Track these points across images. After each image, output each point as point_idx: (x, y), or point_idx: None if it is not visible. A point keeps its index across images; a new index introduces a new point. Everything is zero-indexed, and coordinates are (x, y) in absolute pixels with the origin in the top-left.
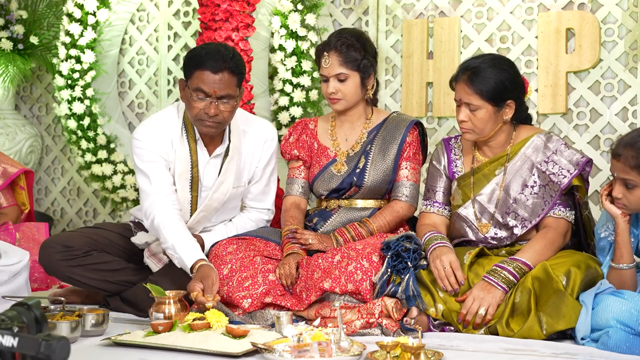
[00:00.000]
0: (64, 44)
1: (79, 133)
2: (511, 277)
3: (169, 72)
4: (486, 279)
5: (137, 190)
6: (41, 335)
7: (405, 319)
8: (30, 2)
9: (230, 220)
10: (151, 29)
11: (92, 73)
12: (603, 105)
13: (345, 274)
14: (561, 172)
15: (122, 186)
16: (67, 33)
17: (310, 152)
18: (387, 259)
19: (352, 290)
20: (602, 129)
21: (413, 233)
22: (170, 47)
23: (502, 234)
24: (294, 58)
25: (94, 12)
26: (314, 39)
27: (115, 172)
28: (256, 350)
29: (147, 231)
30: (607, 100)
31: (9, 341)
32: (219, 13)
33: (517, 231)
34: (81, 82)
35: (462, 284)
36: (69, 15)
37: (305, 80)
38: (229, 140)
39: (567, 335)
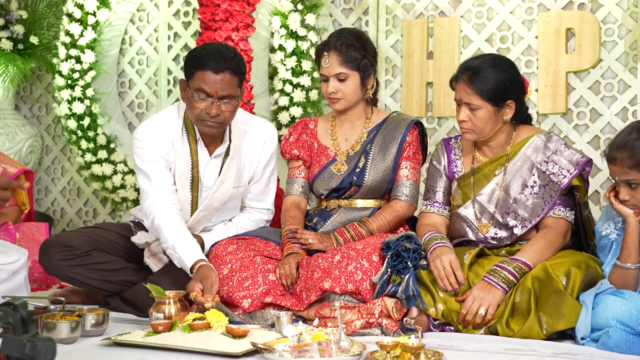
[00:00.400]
0: (64, 44)
1: (79, 133)
2: (511, 277)
3: (169, 72)
4: (486, 279)
5: (137, 190)
6: (26, 336)
7: (405, 319)
8: (30, 2)
9: (230, 220)
10: (151, 29)
11: (92, 73)
12: (603, 105)
13: (345, 274)
14: (561, 172)
15: (122, 186)
16: (67, 33)
17: (310, 151)
18: (387, 259)
19: (352, 290)
20: (602, 129)
21: (413, 233)
22: (170, 47)
23: (502, 234)
24: (294, 58)
25: (94, 12)
26: (314, 39)
27: (115, 172)
28: (256, 350)
29: (147, 231)
30: (607, 100)
31: None
32: (219, 13)
33: (517, 231)
34: (81, 82)
35: (462, 284)
36: (69, 15)
37: (305, 80)
38: (230, 140)
39: (567, 335)
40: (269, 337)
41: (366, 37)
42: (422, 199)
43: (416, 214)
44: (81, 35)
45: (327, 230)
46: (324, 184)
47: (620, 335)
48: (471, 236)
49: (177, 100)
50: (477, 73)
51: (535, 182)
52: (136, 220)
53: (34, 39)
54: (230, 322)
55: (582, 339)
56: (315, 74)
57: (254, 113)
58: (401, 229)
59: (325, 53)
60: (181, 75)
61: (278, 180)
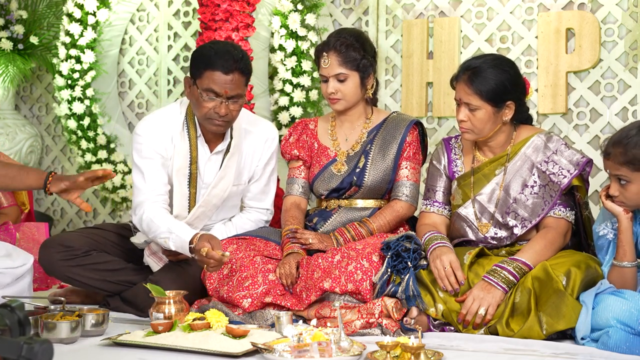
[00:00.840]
0: (64, 44)
1: (79, 133)
2: (511, 277)
3: (169, 72)
4: (486, 279)
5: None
6: (23, 338)
7: (405, 319)
8: (30, 2)
9: (230, 219)
10: (151, 29)
11: (92, 73)
12: (603, 105)
13: (345, 273)
14: (561, 172)
15: (122, 186)
16: (67, 33)
17: (310, 152)
18: (387, 259)
19: (352, 290)
20: (602, 129)
21: (413, 233)
22: (170, 47)
23: (502, 233)
24: (294, 58)
25: (94, 12)
26: (314, 39)
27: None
28: (256, 350)
29: None
30: (607, 100)
31: None
32: (219, 13)
33: (517, 231)
34: (81, 82)
35: (462, 284)
36: (69, 15)
37: (305, 80)
38: (231, 138)
39: (567, 335)
40: (269, 337)
41: (365, 37)
42: (422, 198)
43: (416, 214)
44: (81, 35)
45: (327, 230)
46: (324, 184)
47: (620, 335)
48: (471, 236)
49: (176, 100)
50: (477, 73)
51: (535, 182)
52: None
53: (34, 39)
54: (230, 322)
55: (582, 339)
56: (315, 74)
57: (254, 113)
58: (401, 229)
59: (324, 53)
60: (181, 75)
61: (278, 180)
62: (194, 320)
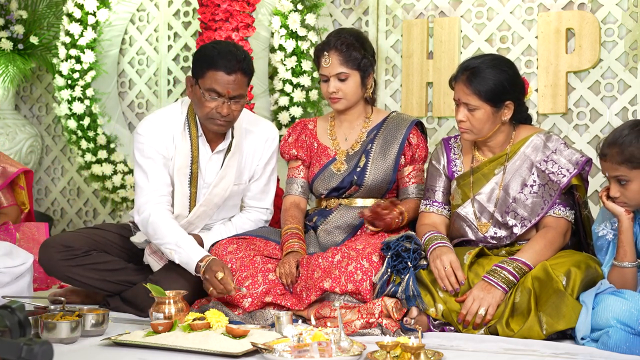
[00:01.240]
0: (64, 44)
1: (79, 133)
2: (511, 277)
3: (169, 72)
4: (486, 279)
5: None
6: (23, 340)
7: (405, 319)
8: (30, 2)
9: (230, 219)
10: (151, 29)
11: (92, 73)
12: (603, 105)
13: (345, 274)
14: (560, 171)
15: (122, 186)
16: (67, 33)
17: (309, 151)
18: (387, 259)
19: (352, 290)
20: (602, 128)
21: (413, 233)
22: (170, 47)
23: (502, 233)
24: (294, 58)
25: (94, 12)
26: (314, 39)
27: (115, 172)
28: (256, 350)
29: None
30: (607, 100)
31: None
32: (219, 13)
33: (517, 230)
34: (81, 82)
35: (462, 284)
36: (69, 15)
37: (305, 80)
38: (232, 137)
39: (567, 335)
40: (269, 337)
41: (365, 37)
42: (422, 198)
43: None
44: (81, 35)
45: (328, 228)
46: (324, 184)
47: (620, 335)
48: (471, 236)
49: (177, 100)
50: (475, 73)
51: (534, 181)
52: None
53: (34, 39)
54: (230, 322)
55: (582, 339)
56: (316, 74)
57: (254, 113)
58: (401, 228)
59: (325, 53)
60: (181, 75)
61: (278, 180)
62: (194, 320)
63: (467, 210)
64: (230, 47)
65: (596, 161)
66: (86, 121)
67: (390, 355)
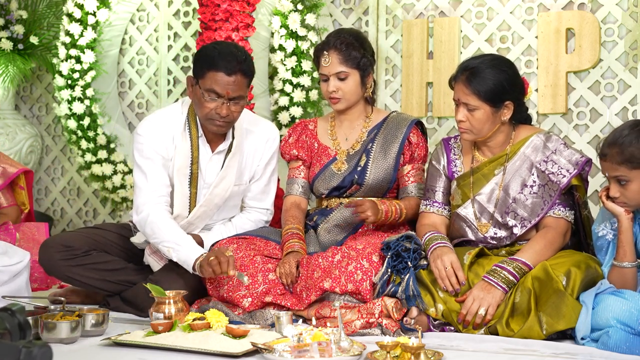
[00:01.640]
0: (64, 44)
1: (79, 133)
2: (511, 277)
3: (169, 72)
4: (486, 279)
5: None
6: (22, 342)
7: (405, 319)
8: (30, 2)
9: (230, 220)
10: (151, 29)
11: (92, 73)
12: (603, 105)
13: (345, 273)
14: (560, 171)
15: (122, 186)
16: (67, 33)
17: (310, 152)
18: (387, 259)
19: (352, 290)
20: (602, 128)
21: (413, 233)
22: (170, 47)
23: (502, 233)
24: (294, 58)
25: (94, 12)
26: (314, 39)
27: (115, 172)
28: (256, 350)
29: None
30: (607, 100)
31: None
32: (219, 13)
33: (517, 231)
34: (81, 82)
35: (463, 284)
36: (69, 15)
37: (305, 80)
38: (233, 137)
39: (567, 335)
40: (269, 337)
41: (364, 37)
42: (422, 199)
43: None
44: (81, 35)
45: (328, 226)
46: (324, 183)
47: (620, 335)
48: (471, 236)
49: (177, 100)
50: (475, 73)
51: (534, 181)
52: None
53: (34, 39)
54: (230, 322)
55: (582, 339)
56: (316, 74)
57: (254, 113)
58: (401, 227)
59: (325, 52)
60: (181, 75)
61: (278, 180)
62: (194, 320)
63: (467, 210)
64: (231, 48)
65: (596, 161)
66: (86, 121)
67: (390, 355)
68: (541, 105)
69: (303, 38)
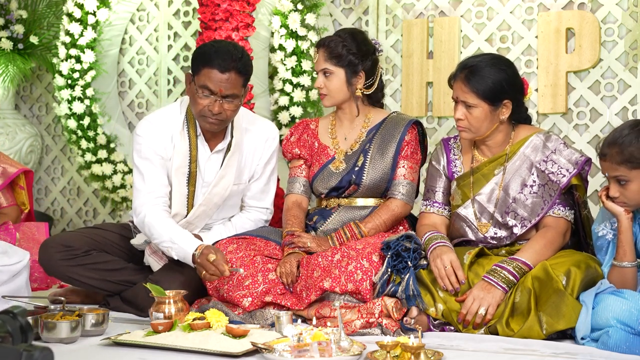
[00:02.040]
0: (64, 43)
1: (79, 133)
2: (511, 277)
3: (169, 71)
4: (486, 279)
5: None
6: (23, 346)
7: (405, 318)
8: (30, 2)
9: (229, 219)
10: (151, 28)
11: (92, 73)
12: (603, 105)
13: (346, 273)
14: (560, 171)
15: (122, 186)
16: (67, 33)
17: (311, 151)
18: (387, 258)
19: (352, 290)
20: (602, 128)
21: (413, 233)
22: (170, 46)
23: (502, 233)
24: (294, 58)
25: (94, 12)
26: (314, 39)
27: (115, 172)
28: (256, 350)
29: None
30: (607, 99)
31: None
32: (219, 13)
33: (517, 230)
34: (81, 82)
35: (462, 283)
36: (69, 15)
37: (305, 80)
38: (231, 137)
39: (567, 335)
40: (268, 337)
41: (362, 37)
42: (422, 199)
43: (415, 213)
44: (81, 35)
45: (328, 229)
46: (323, 183)
47: (620, 335)
48: (471, 236)
49: (176, 99)
50: (474, 72)
51: (534, 181)
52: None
53: (34, 39)
54: (230, 321)
55: (582, 338)
56: (315, 74)
57: (254, 112)
58: (401, 227)
59: (317, 49)
60: (181, 74)
61: (278, 180)
62: (194, 320)
63: (467, 210)
64: (229, 47)
65: (596, 161)
66: (86, 121)
67: (390, 355)
68: (541, 105)
69: (303, 38)
